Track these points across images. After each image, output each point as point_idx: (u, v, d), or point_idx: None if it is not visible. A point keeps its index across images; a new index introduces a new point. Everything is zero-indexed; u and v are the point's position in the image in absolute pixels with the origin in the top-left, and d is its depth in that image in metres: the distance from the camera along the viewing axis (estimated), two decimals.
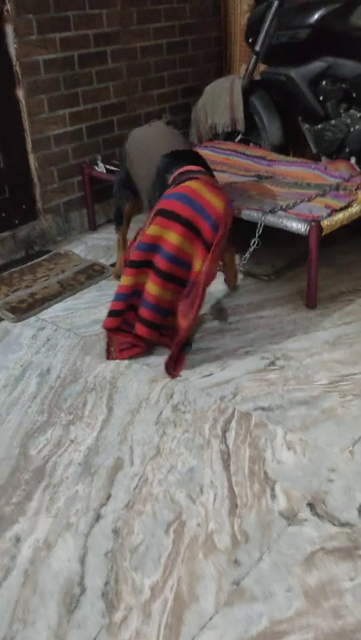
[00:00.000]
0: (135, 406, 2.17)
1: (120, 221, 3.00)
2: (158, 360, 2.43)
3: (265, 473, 1.86)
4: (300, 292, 2.86)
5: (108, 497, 1.80)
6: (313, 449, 1.95)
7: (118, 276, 3.01)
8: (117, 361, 2.43)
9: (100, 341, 2.56)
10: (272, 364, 2.38)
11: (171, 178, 2.48)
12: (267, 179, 3.20)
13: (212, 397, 2.20)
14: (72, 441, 2.02)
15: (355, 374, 2.29)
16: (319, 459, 1.91)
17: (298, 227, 2.66)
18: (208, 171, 2.55)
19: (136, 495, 1.80)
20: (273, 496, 1.78)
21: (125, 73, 3.68)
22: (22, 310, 2.79)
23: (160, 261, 2.31)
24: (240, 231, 2.72)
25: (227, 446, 1.98)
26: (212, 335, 2.59)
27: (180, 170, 2.47)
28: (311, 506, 1.74)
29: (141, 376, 2.34)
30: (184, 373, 2.34)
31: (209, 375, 2.33)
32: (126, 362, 2.42)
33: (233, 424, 2.07)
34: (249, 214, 2.80)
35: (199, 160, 2.58)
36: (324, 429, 2.02)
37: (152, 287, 2.34)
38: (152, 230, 2.33)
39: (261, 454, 1.93)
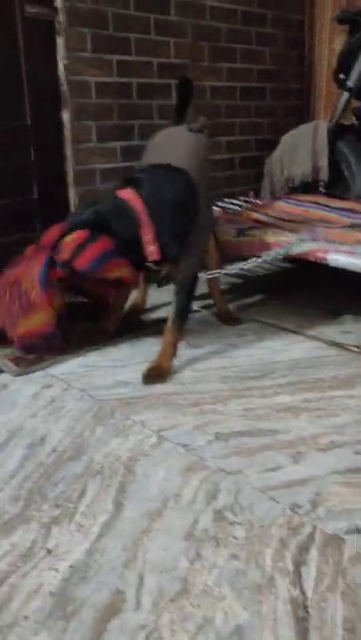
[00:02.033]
0: (158, 506, 1.39)
1: None
2: (200, 440, 1.67)
3: None
4: None
5: None
6: None
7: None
8: (140, 437, 1.68)
9: (120, 408, 1.83)
10: None
11: None
12: (359, 227, 2.52)
13: (278, 504, 1.40)
14: (49, 551, 1.25)
15: None
16: None
17: None
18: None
19: None
20: None
21: (191, 112, 3.18)
22: (29, 362, 2.11)
23: None
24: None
25: (303, 593, 1.15)
26: (279, 413, 1.82)
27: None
28: None
29: (173, 461, 1.57)
30: (235, 462, 1.56)
31: (275, 469, 1.54)
32: (153, 439, 1.67)
33: (313, 553, 1.26)
34: (337, 259, 2.10)
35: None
36: None
37: None
38: None
39: None
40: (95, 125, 2.79)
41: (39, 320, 2.07)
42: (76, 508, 1.38)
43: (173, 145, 2.23)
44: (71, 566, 1.20)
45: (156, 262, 2.02)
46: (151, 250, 1.96)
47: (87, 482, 1.47)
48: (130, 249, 1.96)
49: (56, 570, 1.19)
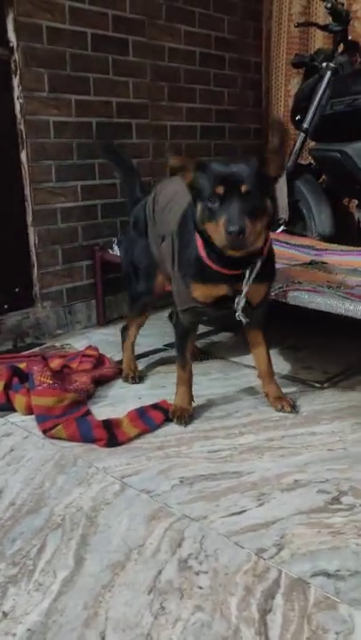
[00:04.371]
0: (120, 558, 1.36)
1: (137, 308, 2.34)
2: (165, 485, 1.64)
3: None
4: None
5: None
6: None
7: (130, 378, 2.36)
8: (103, 485, 1.64)
9: (83, 455, 1.79)
10: (336, 500, 1.57)
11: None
12: (318, 264, 2.56)
13: (243, 550, 1.38)
14: (5, 614, 1.20)
15: None
16: None
17: None
18: None
19: None
20: None
21: (152, 151, 3.22)
22: None
23: None
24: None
25: None
26: (242, 454, 1.81)
27: None
28: None
29: (136, 509, 1.54)
30: (200, 507, 1.54)
31: (239, 513, 1.52)
32: (117, 486, 1.63)
33: (278, 599, 1.24)
34: (297, 296, 2.12)
35: None
36: None
37: None
38: None
39: None
40: (54, 165, 2.79)
41: None
42: (34, 565, 1.33)
43: None
44: (29, 629, 1.16)
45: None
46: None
47: (47, 536, 1.43)
48: None
49: (13, 634, 1.14)
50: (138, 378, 2.36)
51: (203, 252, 1.80)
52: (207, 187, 1.65)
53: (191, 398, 2.07)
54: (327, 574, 1.30)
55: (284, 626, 1.17)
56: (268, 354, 2.10)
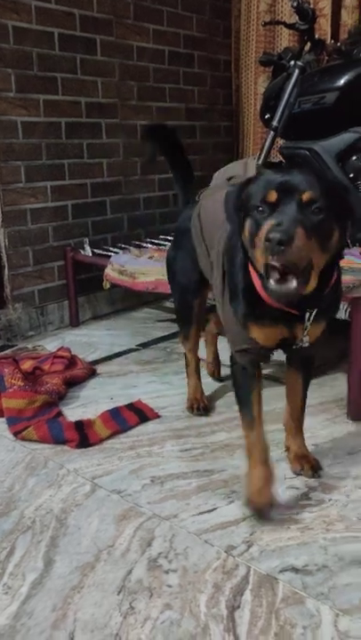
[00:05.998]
0: (90, 559, 1.36)
1: (189, 323, 2.03)
2: (136, 485, 1.64)
3: None
4: (337, 400, 2.13)
5: None
6: None
7: (196, 408, 2.10)
8: (74, 486, 1.64)
9: (54, 457, 1.79)
10: (305, 496, 1.59)
11: None
12: None
13: (213, 547, 1.39)
14: None
15: None
16: None
17: None
18: None
19: None
20: None
21: (122, 151, 3.22)
22: None
23: None
24: None
25: (236, 638, 1.14)
26: (214, 452, 1.82)
27: None
28: None
29: (107, 509, 1.54)
30: (171, 506, 1.55)
31: (210, 511, 1.53)
32: (87, 487, 1.63)
33: (247, 596, 1.25)
34: None
35: None
36: None
37: None
38: None
39: None
40: (23, 165, 2.77)
41: None
42: (3, 568, 1.33)
43: None
44: None
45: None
46: None
47: (17, 539, 1.43)
48: None
49: None
50: (204, 409, 2.07)
51: (257, 282, 1.38)
52: (257, 194, 1.27)
53: (271, 481, 1.51)
54: (295, 570, 1.32)
55: (252, 622, 1.18)
56: (303, 405, 1.74)
